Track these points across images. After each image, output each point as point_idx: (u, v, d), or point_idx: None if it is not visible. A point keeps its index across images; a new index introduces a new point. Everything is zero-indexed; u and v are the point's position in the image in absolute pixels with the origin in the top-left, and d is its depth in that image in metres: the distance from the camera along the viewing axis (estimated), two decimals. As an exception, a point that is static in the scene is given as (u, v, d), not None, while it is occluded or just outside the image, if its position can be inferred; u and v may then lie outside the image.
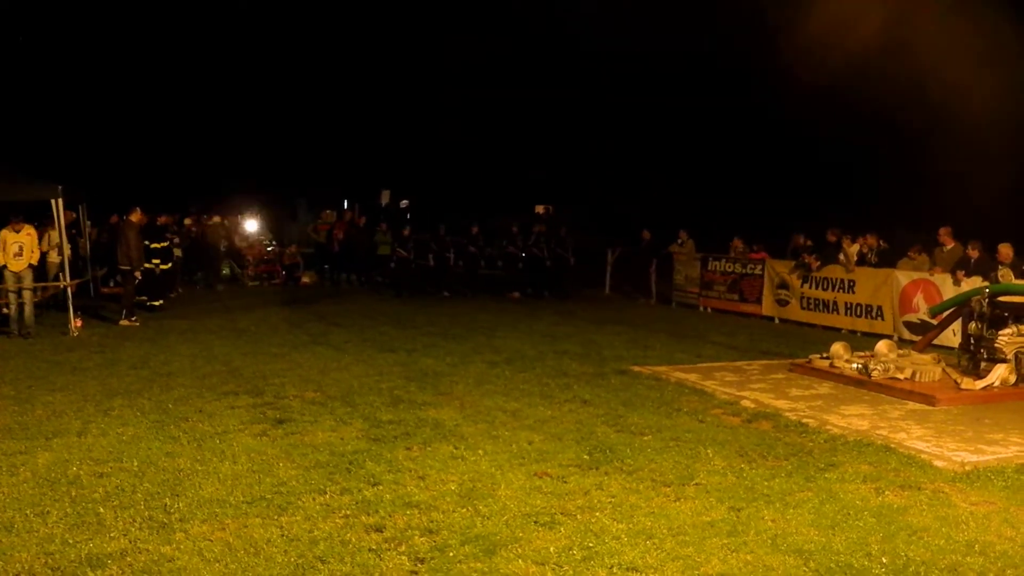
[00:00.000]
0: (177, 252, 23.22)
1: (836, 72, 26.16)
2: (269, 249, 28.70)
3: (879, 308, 18.11)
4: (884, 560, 6.16)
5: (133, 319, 17.45)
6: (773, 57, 30.66)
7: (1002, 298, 12.90)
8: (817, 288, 19.50)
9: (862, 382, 12.42)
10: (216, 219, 28.08)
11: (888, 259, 18.62)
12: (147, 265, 19.04)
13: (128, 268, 18.06)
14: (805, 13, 24.59)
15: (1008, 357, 12.21)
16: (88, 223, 21.27)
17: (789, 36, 26.50)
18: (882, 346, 13.53)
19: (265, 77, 44.26)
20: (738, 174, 39.76)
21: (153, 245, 19.61)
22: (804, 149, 36.62)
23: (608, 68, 42.58)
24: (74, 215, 20.43)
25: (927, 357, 13.27)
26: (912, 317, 17.38)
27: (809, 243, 20.65)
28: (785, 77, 30.53)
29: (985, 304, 12.76)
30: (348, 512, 6.88)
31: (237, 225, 29.55)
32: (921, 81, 26.66)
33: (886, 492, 7.62)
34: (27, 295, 16.47)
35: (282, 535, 6.38)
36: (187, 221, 26.62)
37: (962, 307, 13.86)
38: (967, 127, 26.03)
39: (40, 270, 17.89)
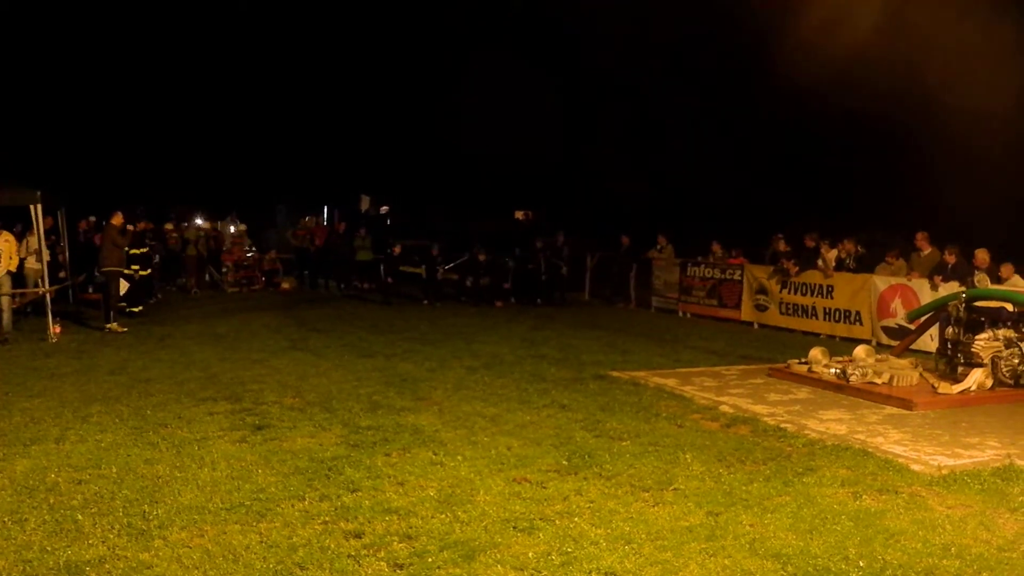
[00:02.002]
0: (155, 258, 23.16)
1: (819, 75, 26.28)
2: (249, 255, 28.59)
3: (857, 313, 18.19)
4: (862, 564, 6.19)
5: (119, 324, 17.26)
6: (756, 59, 30.84)
7: (979, 303, 13.01)
8: (796, 293, 19.56)
9: (840, 387, 12.47)
10: (206, 225, 28.01)
11: (866, 264, 18.70)
12: (126, 271, 18.92)
13: (112, 269, 17.89)
14: (789, 14, 24.71)
15: (985, 361, 12.29)
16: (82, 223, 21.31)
17: (775, 38, 26.63)
18: (860, 351, 13.59)
19: (244, 84, 44.22)
20: (718, 179, 39.85)
21: (132, 251, 19.50)
22: (785, 154, 36.76)
23: (589, 67, 42.69)
24: (52, 220, 20.36)
25: (905, 362, 13.37)
26: (890, 322, 17.46)
27: (787, 249, 20.69)
28: (768, 80, 30.69)
29: (962, 309, 12.86)
30: (327, 518, 6.87)
31: (221, 231, 29.43)
32: (903, 85, 26.85)
33: (864, 496, 7.66)
34: (5, 301, 16.39)
35: (261, 542, 6.38)
36: (168, 226, 26.51)
37: (939, 312, 13.95)
38: (945, 133, 26.21)
39: (19, 276, 17.79)
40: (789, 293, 19.73)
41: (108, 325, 17.16)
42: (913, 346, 15.12)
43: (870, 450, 9.20)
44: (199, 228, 28.00)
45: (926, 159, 29.87)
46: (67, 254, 20.74)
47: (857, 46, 24.70)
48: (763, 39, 29.12)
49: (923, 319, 14.78)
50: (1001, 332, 12.55)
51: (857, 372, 12.54)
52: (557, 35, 42.63)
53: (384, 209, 47.55)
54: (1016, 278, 15.34)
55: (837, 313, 18.64)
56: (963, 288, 14.03)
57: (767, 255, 21.54)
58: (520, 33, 43.71)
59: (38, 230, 17.18)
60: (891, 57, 26.82)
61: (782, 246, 21.11)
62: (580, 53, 42.25)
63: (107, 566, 5.92)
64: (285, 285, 27.52)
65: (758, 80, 33.67)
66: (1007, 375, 12.36)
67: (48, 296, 16.72)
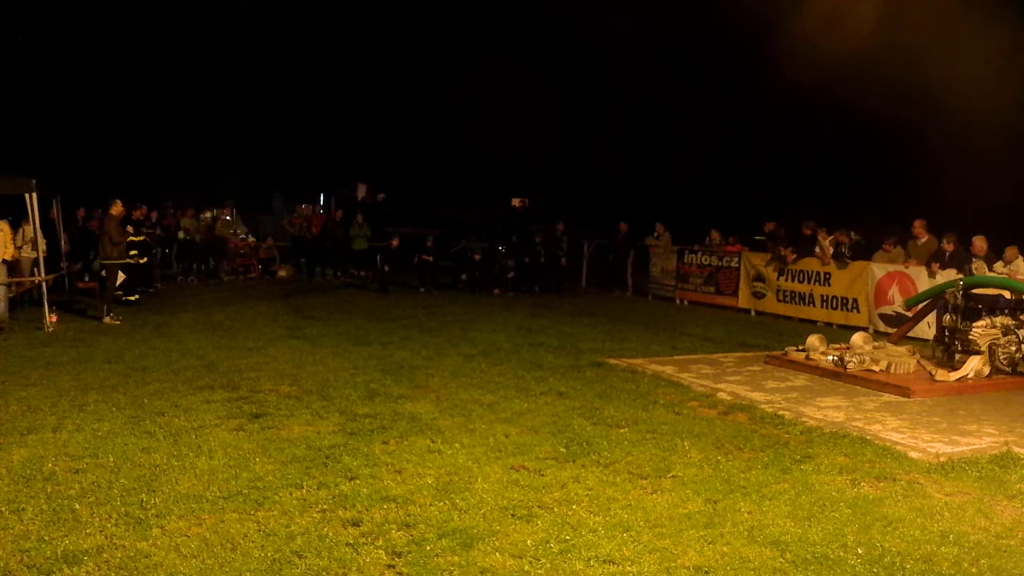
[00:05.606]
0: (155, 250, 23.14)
1: (818, 66, 26.27)
2: (246, 242, 28.49)
3: (855, 300, 18.20)
4: (860, 551, 6.19)
5: (113, 317, 17.16)
6: (755, 50, 30.78)
7: (976, 290, 13.03)
8: (793, 281, 19.56)
9: (838, 374, 12.48)
10: (206, 215, 27.96)
11: (862, 252, 18.70)
12: (126, 260, 18.81)
13: (111, 262, 17.74)
14: (790, 8, 24.71)
15: (982, 349, 12.31)
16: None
17: (775, 31, 26.62)
18: (857, 338, 13.59)
19: (240, 72, 44.05)
20: (717, 167, 39.84)
21: (131, 238, 19.40)
22: (782, 142, 36.73)
23: (586, 56, 42.58)
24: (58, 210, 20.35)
25: (902, 349, 13.37)
26: (887, 309, 17.47)
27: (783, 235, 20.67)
28: (766, 71, 30.65)
29: (959, 296, 12.87)
30: (325, 507, 6.87)
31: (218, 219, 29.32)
32: (901, 76, 26.82)
33: (861, 483, 7.67)
34: (0, 290, 16.34)
35: (259, 530, 6.37)
36: (160, 219, 26.41)
37: (937, 299, 13.97)
38: (944, 123, 26.19)
39: (14, 265, 17.74)
40: (786, 280, 19.72)
41: (104, 319, 17.04)
42: (910, 333, 15.13)
43: (868, 437, 9.21)
44: (197, 216, 27.85)
45: (924, 149, 29.85)
46: (65, 243, 20.67)
47: (856, 40, 24.70)
48: (763, 33, 29.12)
49: (920, 306, 14.80)
50: (998, 320, 12.58)
51: (854, 359, 12.55)
52: (557, 25, 42.51)
53: (381, 197, 47.38)
54: (1020, 260, 15.35)
55: (834, 300, 18.64)
56: (961, 276, 14.04)
57: (767, 244, 21.43)
58: (520, 21, 43.59)
59: (33, 219, 17.12)
60: (890, 50, 26.82)
61: (773, 227, 21.14)
62: (580, 42, 42.17)
63: (105, 555, 5.91)
64: (282, 273, 27.44)
65: (758, 73, 33.65)
66: (1004, 362, 12.39)
67: (44, 285, 16.66)
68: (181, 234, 26.68)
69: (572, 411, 10.23)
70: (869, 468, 8.13)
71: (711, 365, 13.54)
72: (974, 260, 15.80)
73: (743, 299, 20.93)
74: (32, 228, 17.45)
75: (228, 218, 29.21)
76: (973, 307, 12.83)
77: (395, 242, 25.19)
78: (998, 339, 12.43)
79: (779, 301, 19.96)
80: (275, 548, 6.05)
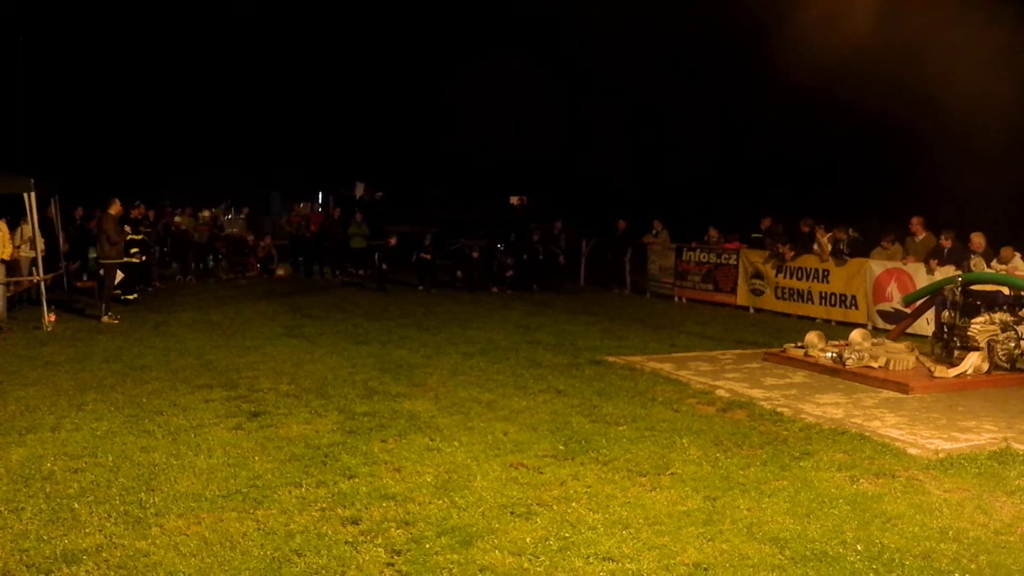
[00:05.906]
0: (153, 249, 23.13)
1: (817, 66, 26.26)
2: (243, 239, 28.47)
3: (853, 297, 18.19)
4: (859, 547, 6.19)
5: (112, 316, 17.14)
6: (755, 50, 30.77)
7: (974, 287, 13.01)
8: (791, 278, 19.55)
9: (836, 371, 12.47)
10: (206, 213, 27.98)
11: (861, 249, 18.69)
12: (126, 259, 18.78)
13: (109, 262, 17.70)
14: (790, 8, 24.70)
15: (981, 345, 12.29)
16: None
17: (775, 31, 26.61)
18: (856, 335, 13.58)
19: (238, 69, 44.04)
20: (714, 165, 39.84)
21: (130, 237, 19.39)
22: (780, 141, 36.71)
23: (586, 56, 42.57)
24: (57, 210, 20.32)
25: (901, 345, 13.36)
26: (886, 306, 17.47)
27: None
28: (766, 71, 30.63)
29: (958, 293, 12.84)
30: (324, 505, 6.86)
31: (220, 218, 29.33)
32: (901, 75, 26.80)
33: (861, 480, 7.66)
34: (-1, 290, 16.33)
35: (258, 529, 6.37)
36: (158, 218, 26.42)
37: (935, 296, 13.95)
38: (943, 120, 26.17)
39: (13, 264, 17.71)
40: (785, 278, 19.72)
41: (103, 318, 17.02)
42: (909, 330, 15.11)
43: (867, 434, 9.20)
44: (195, 214, 27.88)
45: (923, 147, 29.85)
46: (64, 242, 20.65)
47: (855, 39, 24.69)
48: (763, 32, 29.11)
49: (919, 303, 14.78)
50: (997, 316, 12.55)
51: (853, 356, 12.55)
52: (557, 25, 42.53)
53: (379, 195, 47.39)
54: (1017, 259, 15.34)
55: (833, 297, 18.64)
56: (959, 272, 14.03)
57: (763, 240, 21.40)
58: (520, 21, 43.60)
59: (31, 218, 17.11)
60: (889, 49, 26.81)
61: (778, 229, 21.11)
62: (580, 42, 42.17)
63: (104, 554, 5.90)
64: (280, 272, 27.41)
65: (757, 72, 33.66)
66: (1003, 359, 12.37)
67: (43, 284, 16.65)
68: (178, 219, 26.73)
69: (571, 409, 10.23)
70: (868, 465, 8.13)
71: (709, 362, 13.54)
72: (972, 256, 15.80)
73: (741, 296, 20.93)
74: (31, 227, 17.43)
75: (230, 216, 29.25)
76: (972, 303, 12.81)
77: (393, 240, 25.19)
78: (997, 335, 12.41)
79: (777, 298, 19.96)
80: (274, 547, 6.05)
